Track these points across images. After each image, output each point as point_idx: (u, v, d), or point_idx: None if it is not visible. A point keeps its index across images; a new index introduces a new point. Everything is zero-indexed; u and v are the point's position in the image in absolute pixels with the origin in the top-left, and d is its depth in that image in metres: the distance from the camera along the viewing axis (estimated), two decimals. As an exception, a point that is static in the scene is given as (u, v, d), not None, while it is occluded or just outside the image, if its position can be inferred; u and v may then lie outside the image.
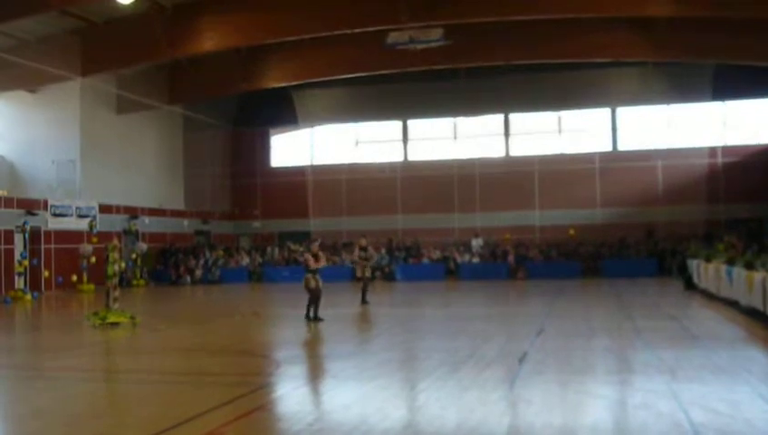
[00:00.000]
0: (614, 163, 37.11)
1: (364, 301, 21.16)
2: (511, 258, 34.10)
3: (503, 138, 39.03)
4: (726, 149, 36.15)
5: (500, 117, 39.03)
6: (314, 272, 17.01)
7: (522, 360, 11.00)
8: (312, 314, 16.88)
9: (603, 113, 38.11)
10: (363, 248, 21.90)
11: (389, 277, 34.08)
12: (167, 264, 35.90)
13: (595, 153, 37.56)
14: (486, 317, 18.89)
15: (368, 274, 21.97)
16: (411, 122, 40.31)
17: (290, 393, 9.60)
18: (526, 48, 30.61)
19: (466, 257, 35.29)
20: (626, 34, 29.64)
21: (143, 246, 33.65)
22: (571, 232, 35.84)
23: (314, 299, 16.94)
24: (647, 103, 36.94)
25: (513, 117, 39.00)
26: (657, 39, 29.19)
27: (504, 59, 31.88)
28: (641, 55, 31.48)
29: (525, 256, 34.59)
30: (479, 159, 38.61)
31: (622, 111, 37.95)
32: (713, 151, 36.19)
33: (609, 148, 37.76)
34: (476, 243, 35.99)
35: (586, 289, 26.85)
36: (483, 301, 24.11)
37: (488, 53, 31.27)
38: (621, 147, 37.71)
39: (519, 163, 38.13)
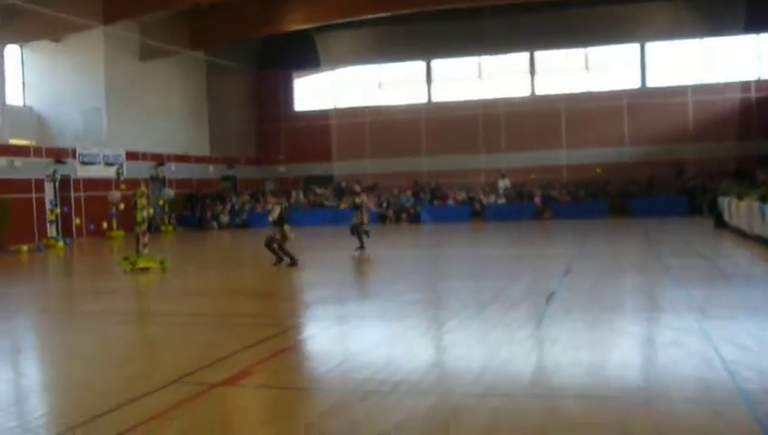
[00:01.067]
0: (643, 100, 36.51)
1: (361, 247, 19.56)
2: (537, 199, 33.90)
3: (528, 76, 38.52)
4: (760, 84, 35.38)
5: (525, 55, 38.46)
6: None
7: (549, 299, 10.97)
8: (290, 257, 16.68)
9: (632, 49, 37.37)
10: (357, 194, 20.71)
11: (415, 219, 34.08)
12: (194, 209, 36.16)
13: (623, 90, 36.95)
14: (513, 258, 18.86)
15: (358, 219, 19.79)
16: (435, 63, 39.85)
17: (318, 334, 9.68)
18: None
19: (492, 198, 35.13)
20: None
21: (170, 192, 33.89)
22: (599, 170, 35.47)
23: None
24: (677, 38, 36.19)
25: (539, 55, 38.42)
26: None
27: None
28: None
29: (552, 196, 34.37)
30: (504, 99, 38.17)
31: (651, 47, 37.17)
32: (746, 86, 35.46)
33: (637, 84, 37.13)
34: (503, 184, 35.75)
35: (614, 228, 26.67)
36: (509, 242, 24.05)
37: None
38: (651, 83, 37.05)
39: (545, 102, 37.67)
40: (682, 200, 32.26)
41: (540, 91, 38.28)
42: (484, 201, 34.77)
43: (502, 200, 34.99)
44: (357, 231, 19.61)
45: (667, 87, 36.45)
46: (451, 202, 35.44)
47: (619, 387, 6.53)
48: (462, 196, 35.64)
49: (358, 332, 9.61)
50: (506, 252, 20.63)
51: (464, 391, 6.58)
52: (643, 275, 13.96)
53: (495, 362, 7.54)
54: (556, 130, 37.30)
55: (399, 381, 6.82)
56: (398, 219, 34.09)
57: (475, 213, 34.29)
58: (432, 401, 6.31)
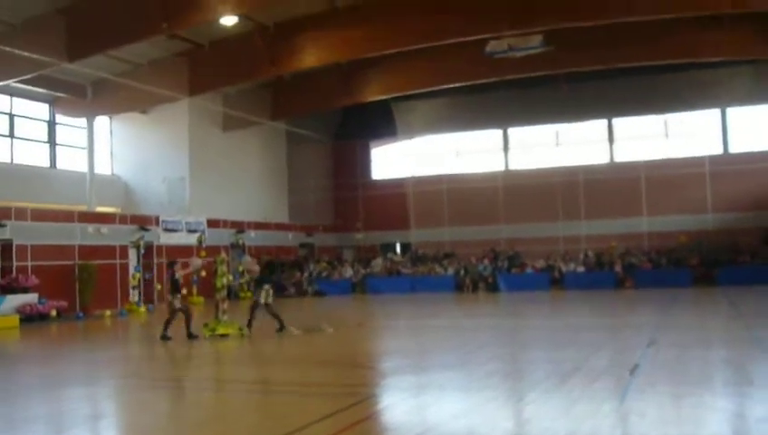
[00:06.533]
0: (726, 166, 35.69)
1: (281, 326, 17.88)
2: (618, 267, 33.19)
3: (607, 143, 38.19)
4: None
5: (603, 122, 38.22)
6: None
7: (633, 371, 10.65)
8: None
9: (712, 115, 36.76)
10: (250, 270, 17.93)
11: (492, 288, 33.71)
12: (272, 276, 36.45)
13: (705, 156, 36.23)
14: (594, 328, 18.42)
15: (263, 298, 18.30)
16: (512, 130, 39.93)
17: (397, 404, 9.58)
18: (629, 50, 29.82)
19: (572, 266, 34.53)
20: (735, 32, 28.53)
21: (249, 259, 34.32)
22: (682, 238, 34.67)
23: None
24: (759, 102, 35.47)
25: (617, 122, 38.14)
26: (768, 35, 28.05)
27: (606, 63, 31.13)
28: (752, 53, 30.20)
29: (633, 265, 33.62)
30: (583, 166, 37.87)
31: (733, 112, 36.48)
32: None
33: (719, 150, 36.38)
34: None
35: (698, 298, 25.89)
36: (590, 311, 23.52)
37: (589, 58, 30.63)
38: (733, 149, 36.26)
39: (625, 169, 37.22)
40: (770, 269, 31.15)
41: (619, 158, 37.87)
42: (564, 269, 34.21)
43: (581, 268, 34.35)
44: (271, 312, 18.16)
45: (751, 152, 35.60)
46: (529, 270, 34.95)
47: (711, 465, 6.26)
48: (541, 264, 35.16)
49: (436, 402, 9.46)
50: (587, 322, 20.17)
51: (546, 466, 6.41)
52: (731, 347, 13.47)
53: (579, 437, 7.31)
54: (636, 198, 36.72)
55: (479, 455, 6.67)
56: (475, 288, 33.80)
57: (554, 281, 33.72)
58: (513, 476, 6.15)
